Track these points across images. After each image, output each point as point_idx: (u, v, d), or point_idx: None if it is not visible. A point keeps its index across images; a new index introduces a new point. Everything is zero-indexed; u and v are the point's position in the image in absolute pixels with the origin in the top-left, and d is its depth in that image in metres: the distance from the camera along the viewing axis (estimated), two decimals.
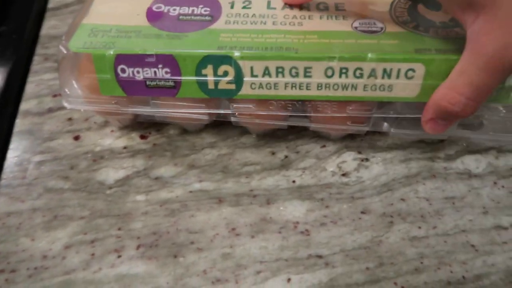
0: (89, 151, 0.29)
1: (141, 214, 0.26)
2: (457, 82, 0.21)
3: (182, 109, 0.26)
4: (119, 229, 0.25)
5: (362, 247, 0.25)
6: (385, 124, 0.27)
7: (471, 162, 0.28)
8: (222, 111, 0.26)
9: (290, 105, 0.26)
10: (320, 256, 0.24)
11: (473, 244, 0.25)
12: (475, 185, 0.27)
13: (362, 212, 0.26)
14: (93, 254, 0.24)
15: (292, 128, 0.30)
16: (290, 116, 0.27)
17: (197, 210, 0.26)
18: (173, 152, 0.29)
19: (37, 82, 0.32)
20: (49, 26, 0.36)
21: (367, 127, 0.27)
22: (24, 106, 0.31)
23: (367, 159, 0.28)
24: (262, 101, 0.26)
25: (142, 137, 0.29)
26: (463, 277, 0.24)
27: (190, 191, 0.27)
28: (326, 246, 0.25)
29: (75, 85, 0.26)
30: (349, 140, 0.29)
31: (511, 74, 0.21)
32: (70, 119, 0.30)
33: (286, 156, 0.28)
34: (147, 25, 0.25)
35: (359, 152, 0.29)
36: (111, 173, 0.28)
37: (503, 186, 0.27)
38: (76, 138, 0.29)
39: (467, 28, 0.20)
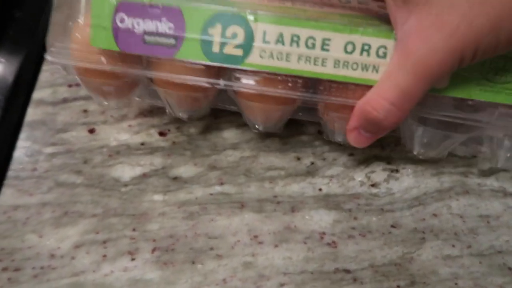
0: (105, 146, 0.27)
1: (158, 215, 0.24)
2: (383, 86, 0.20)
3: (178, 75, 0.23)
4: (134, 229, 0.24)
5: (392, 263, 0.23)
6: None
7: (506, 180, 0.27)
8: (221, 82, 0.23)
9: (300, 89, 0.23)
10: (347, 271, 0.23)
11: (510, 266, 0.23)
12: (510, 204, 0.26)
13: (392, 226, 0.25)
14: (104, 256, 0.23)
15: (319, 133, 0.28)
16: (299, 110, 0.25)
17: (218, 214, 0.24)
18: (193, 152, 0.27)
19: (51, 71, 0.31)
20: None
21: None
22: (37, 94, 0.30)
23: (397, 170, 0.27)
24: (268, 80, 0.23)
25: (161, 134, 0.28)
26: None
27: (211, 194, 0.25)
28: (354, 260, 0.23)
29: (65, 36, 0.23)
30: (379, 150, 0.28)
31: (439, 79, 0.19)
32: (85, 110, 0.29)
33: (312, 163, 0.27)
34: None
35: (389, 163, 0.27)
36: (127, 170, 0.26)
37: None
38: (91, 131, 0.28)
39: (398, 30, 0.19)
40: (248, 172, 0.26)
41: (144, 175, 0.26)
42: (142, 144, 0.27)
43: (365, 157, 0.27)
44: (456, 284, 0.23)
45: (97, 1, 0.22)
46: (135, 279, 0.22)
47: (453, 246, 0.24)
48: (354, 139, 0.22)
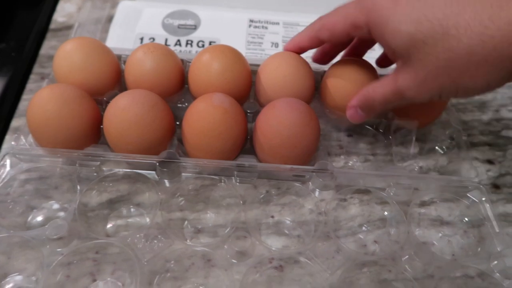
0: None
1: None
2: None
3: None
4: (97, 252, 0.26)
5: (333, 287, 0.25)
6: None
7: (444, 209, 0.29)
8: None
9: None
10: None
11: None
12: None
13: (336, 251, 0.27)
14: (68, 276, 0.25)
15: None
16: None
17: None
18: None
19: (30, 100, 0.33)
20: (49, 46, 0.37)
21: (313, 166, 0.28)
22: (15, 123, 0.32)
23: (345, 200, 0.29)
24: None
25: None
26: None
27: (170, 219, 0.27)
28: (298, 283, 0.25)
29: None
30: (329, 179, 0.30)
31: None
32: None
33: (267, 191, 0.29)
34: None
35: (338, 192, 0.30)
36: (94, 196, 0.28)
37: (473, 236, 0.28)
38: None
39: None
40: (207, 200, 0.29)
41: (110, 201, 0.28)
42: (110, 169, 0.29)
43: (316, 186, 0.30)
44: None
45: None
46: None
47: (390, 271, 0.26)
48: (351, 115, 0.29)
